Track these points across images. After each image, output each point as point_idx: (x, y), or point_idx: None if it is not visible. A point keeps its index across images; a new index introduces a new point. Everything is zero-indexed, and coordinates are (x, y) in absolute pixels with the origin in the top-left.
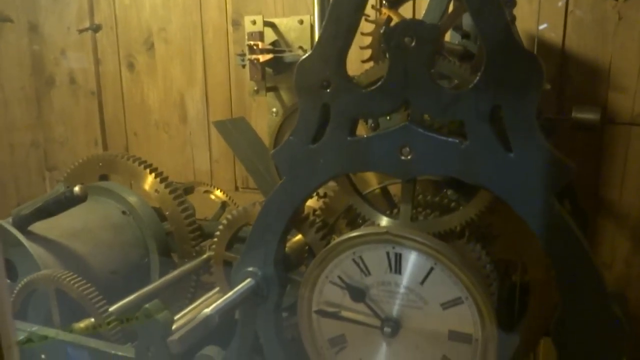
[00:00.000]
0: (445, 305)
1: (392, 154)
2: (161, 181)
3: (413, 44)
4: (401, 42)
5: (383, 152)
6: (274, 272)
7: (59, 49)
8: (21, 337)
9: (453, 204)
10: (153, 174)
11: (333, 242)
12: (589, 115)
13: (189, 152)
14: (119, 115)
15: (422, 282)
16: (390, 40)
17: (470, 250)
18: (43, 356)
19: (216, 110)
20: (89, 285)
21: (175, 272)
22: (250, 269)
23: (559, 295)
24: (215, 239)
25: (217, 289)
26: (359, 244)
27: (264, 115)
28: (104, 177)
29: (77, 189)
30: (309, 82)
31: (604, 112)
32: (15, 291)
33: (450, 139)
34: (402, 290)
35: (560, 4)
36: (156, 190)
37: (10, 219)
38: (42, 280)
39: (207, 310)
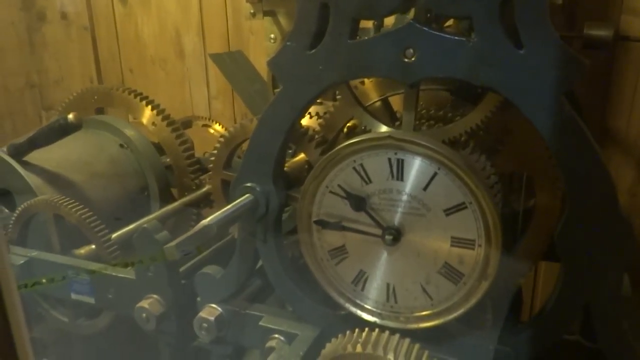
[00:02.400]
0: (449, 212)
1: (395, 56)
2: (158, 114)
3: None
4: None
5: (386, 55)
6: (273, 188)
7: None
8: (21, 261)
9: (457, 118)
10: (150, 107)
11: (333, 150)
12: (601, 32)
13: (186, 88)
14: (114, 52)
15: (425, 188)
16: None
17: (475, 161)
18: (44, 280)
19: (213, 45)
20: (88, 210)
21: (176, 204)
22: (249, 184)
23: (567, 200)
24: (213, 158)
25: None
26: (360, 151)
27: (263, 47)
28: (100, 111)
29: (71, 116)
30: None
31: (617, 31)
32: (13, 218)
33: (456, 37)
34: (404, 197)
35: None
36: (153, 123)
37: (4, 148)
38: (40, 206)
39: (205, 221)
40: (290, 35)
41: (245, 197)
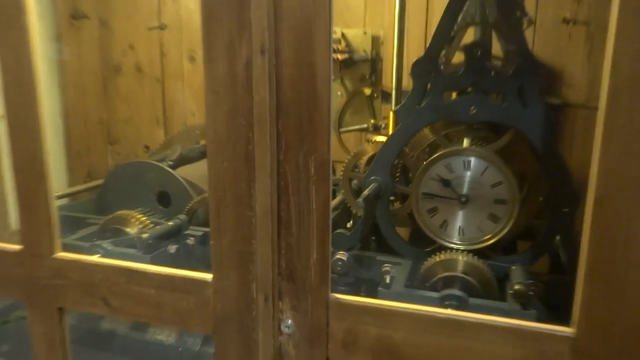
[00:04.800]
0: (494, 185)
1: (466, 111)
2: None
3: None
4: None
5: (461, 110)
6: (388, 180)
7: (128, 42)
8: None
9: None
10: None
11: (434, 156)
12: (555, 101)
13: None
14: (179, 98)
15: (482, 174)
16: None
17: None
18: None
19: None
20: None
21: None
22: (374, 177)
23: (547, 185)
24: (344, 165)
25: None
26: (449, 155)
27: None
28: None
29: None
30: (420, 72)
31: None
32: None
33: (497, 102)
34: (470, 179)
35: None
36: None
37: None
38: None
39: (358, 200)
40: (408, 98)
41: (373, 185)
